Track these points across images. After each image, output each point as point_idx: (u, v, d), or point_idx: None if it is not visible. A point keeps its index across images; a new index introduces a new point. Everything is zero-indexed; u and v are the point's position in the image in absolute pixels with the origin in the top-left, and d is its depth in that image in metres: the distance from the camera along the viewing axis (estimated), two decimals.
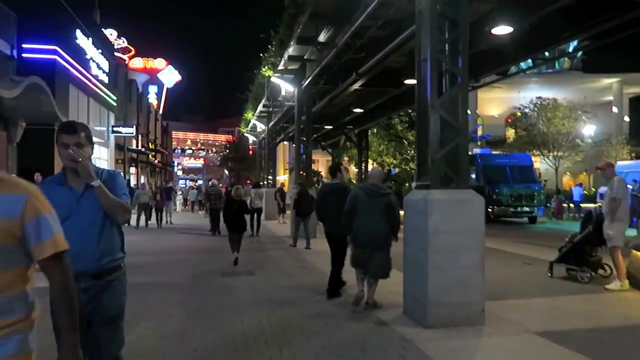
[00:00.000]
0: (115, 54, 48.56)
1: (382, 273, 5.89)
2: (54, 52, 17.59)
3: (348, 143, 30.88)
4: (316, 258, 10.55)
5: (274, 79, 14.70)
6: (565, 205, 22.52)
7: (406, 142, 24.76)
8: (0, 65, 14.48)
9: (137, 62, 71.13)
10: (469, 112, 6.36)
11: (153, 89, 72.86)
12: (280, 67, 13.95)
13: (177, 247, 12.73)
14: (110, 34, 52.52)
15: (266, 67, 15.03)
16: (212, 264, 10.04)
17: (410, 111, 21.80)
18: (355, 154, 29.29)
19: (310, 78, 13.47)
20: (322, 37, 11.46)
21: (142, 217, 18.03)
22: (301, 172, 14.89)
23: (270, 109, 21.93)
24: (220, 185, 22.33)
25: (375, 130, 26.34)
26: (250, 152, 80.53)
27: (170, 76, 78.00)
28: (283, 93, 14.60)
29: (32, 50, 17.10)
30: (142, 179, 40.31)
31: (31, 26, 16.80)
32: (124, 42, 62.15)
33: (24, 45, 16.95)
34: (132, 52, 68.02)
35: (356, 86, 14.55)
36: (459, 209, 5.23)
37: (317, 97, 15.80)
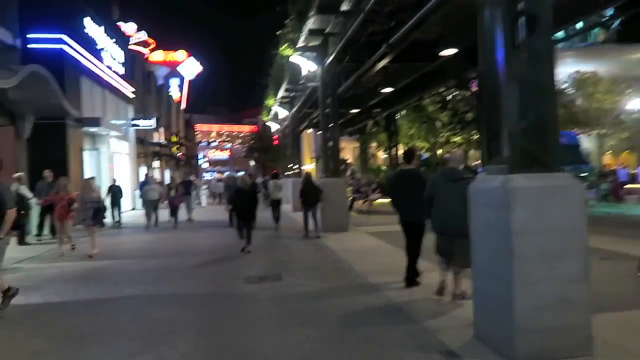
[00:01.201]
0: (135, 47, 48.08)
1: (467, 262, 4.76)
2: (61, 41, 16.57)
3: (375, 128, 29.35)
4: (349, 255, 9.28)
5: (294, 58, 13.33)
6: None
7: (439, 124, 23.08)
8: (3, 56, 13.52)
9: (157, 55, 70.77)
10: None
11: (174, 82, 72.52)
12: (300, 43, 12.59)
13: (194, 247, 11.50)
14: (131, 27, 52.03)
15: (285, 46, 13.67)
16: (233, 266, 8.86)
17: (442, 90, 20.17)
18: (384, 139, 27.80)
19: (334, 54, 12.08)
20: (345, 5, 10.04)
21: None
22: (328, 161, 13.59)
23: (292, 94, 20.62)
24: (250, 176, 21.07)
25: (403, 113, 24.75)
26: (275, 142, 79.72)
27: (191, 68, 77.40)
28: (305, 73, 13.26)
29: (37, 40, 16.11)
30: (168, 173, 39.73)
31: (35, 13, 15.82)
32: (144, 35, 61.70)
33: (28, 35, 15.99)
34: (153, 45, 67.66)
35: (385, 62, 13.05)
36: (552, 200, 3.83)
37: (342, 77, 14.36)
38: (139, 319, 5.51)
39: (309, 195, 12.37)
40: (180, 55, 77.26)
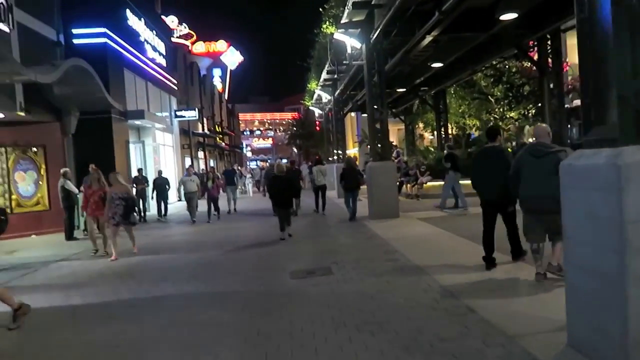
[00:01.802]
0: (178, 40, 48.53)
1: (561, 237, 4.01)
2: (104, 34, 16.56)
3: (421, 107, 28.13)
4: (403, 244, 8.55)
5: (337, 36, 12.58)
6: None
7: (492, 100, 21.64)
8: (47, 52, 13.52)
9: (199, 47, 71.56)
10: None
11: (217, 72, 73.11)
12: (344, 19, 11.81)
13: (237, 239, 11.07)
14: (172, 21, 52.63)
15: (327, 24, 12.93)
16: (278, 258, 8.36)
17: (495, 63, 18.79)
18: (431, 118, 26.58)
19: (380, 28, 11.23)
20: None
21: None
22: (375, 144, 12.83)
23: (335, 76, 19.83)
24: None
25: (452, 90, 23.44)
26: (317, 128, 79.25)
27: (232, 57, 77.86)
28: (349, 51, 12.50)
29: (80, 35, 16.16)
30: (212, 163, 39.98)
31: (77, 9, 15.81)
32: (185, 28, 62.35)
33: (73, 31, 16.04)
34: (194, 38, 68.26)
35: (435, 33, 12.10)
36: None
37: (388, 54, 13.49)
38: (179, 322, 5.05)
39: (349, 179, 12.57)
40: (221, 45, 77.85)
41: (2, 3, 10.55)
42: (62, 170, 12.30)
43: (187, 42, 57.77)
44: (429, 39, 12.97)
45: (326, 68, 17.81)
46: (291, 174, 14.92)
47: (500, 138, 6.45)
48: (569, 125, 16.28)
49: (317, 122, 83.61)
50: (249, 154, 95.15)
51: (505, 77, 20.44)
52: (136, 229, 9.94)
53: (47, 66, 10.99)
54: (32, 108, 12.48)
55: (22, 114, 12.03)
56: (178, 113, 26.61)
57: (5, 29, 10.85)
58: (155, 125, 21.65)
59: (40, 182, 13.85)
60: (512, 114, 21.42)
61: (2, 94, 11.26)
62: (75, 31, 16.08)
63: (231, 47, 74.24)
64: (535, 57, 14.48)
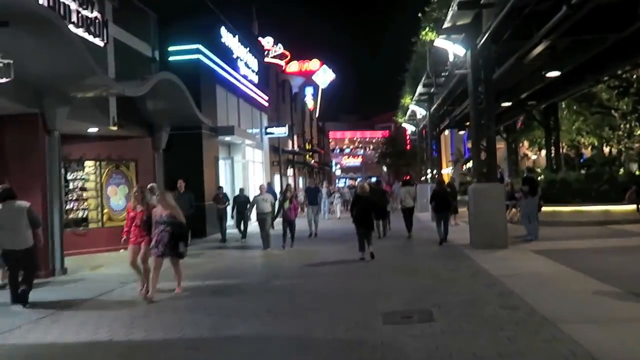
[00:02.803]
0: (272, 60, 49.72)
1: None
2: (197, 51, 16.68)
3: (525, 123, 25.55)
4: (520, 285, 6.99)
5: (438, 42, 11.29)
6: None
7: (617, 114, 18.75)
8: (142, 68, 13.67)
9: (293, 66, 73.21)
10: None
11: (309, 91, 74.30)
12: (447, 23, 10.52)
13: (317, 267, 9.96)
14: (268, 42, 54.24)
15: (427, 30, 11.71)
16: (367, 293, 7.17)
17: (621, 72, 16.22)
18: (538, 136, 24.00)
19: (490, 30, 9.79)
20: None
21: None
22: (480, 163, 11.26)
23: (432, 90, 18.42)
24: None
25: (565, 104, 20.85)
26: (408, 147, 77.19)
27: (324, 76, 78.75)
28: (451, 59, 11.15)
29: (175, 52, 16.38)
30: (301, 181, 39.84)
31: (173, 26, 16.06)
32: (280, 48, 64.13)
33: (169, 48, 16.32)
34: (288, 57, 70.04)
35: (555, 36, 10.37)
36: None
37: (495, 63, 11.88)
38: None
39: (440, 201, 12.36)
40: (314, 64, 79.11)
41: (96, 17, 10.62)
42: (148, 186, 12.14)
43: (282, 62, 59.17)
44: (545, 44, 11.23)
45: (422, 81, 16.47)
46: (376, 194, 14.09)
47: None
48: None
49: (408, 141, 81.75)
50: (338, 172, 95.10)
51: (634, 87, 17.62)
52: (206, 252, 9.20)
53: (138, 81, 10.89)
54: (125, 123, 12.56)
55: (115, 128, 12.10)
56: (268, 130, 26.56)
57: (100, 43, 10.94)
58: (246, 141, 21.55)
59: (130, 195, 13.91)
60: None
61: (96, 108, 11.35)
62: (170, 48, 16.34)
63: (324, 66, 75.05)
64: None
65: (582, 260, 8.77)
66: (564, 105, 21.00)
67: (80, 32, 10.00)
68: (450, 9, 10.01)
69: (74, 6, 9.84)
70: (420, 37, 12.42)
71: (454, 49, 11.22)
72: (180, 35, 16.31)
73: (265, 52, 47.97)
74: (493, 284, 7.30)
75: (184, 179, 13.84)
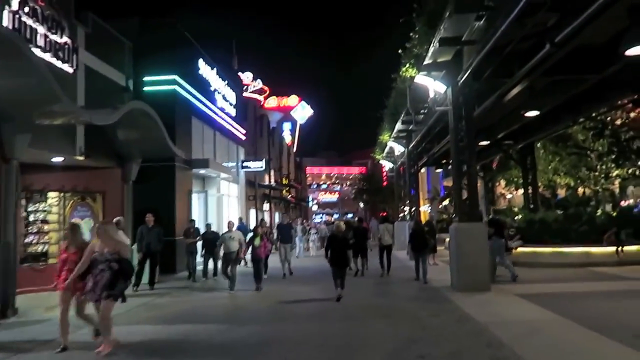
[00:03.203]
0: (252, 95, 49.79)
1: None
2: (173, 82, 16.27)
3: (502, 162, 25.72)
4: (508, 334, 6.57)
5: (418, 79, 11.16)
6: None
7: (593, 156, 18.88)
8: (114, 97, 13.17)
9: (271, 102, 73.49)
10: None
11: (287, 126, 74.46)
12: (428, 59, 10.40)
13: (291, 311, 9.32)
14: (247, 77, 54.47)
15: (407, 66, 11.60)
16: (345, 344, 6.57)
17: (597, 114, 16.43)
18: (515, 175, 24.14)
19: (471, 67, 9.69)
20: None
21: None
22: (461, 202, 10.99)
23: (411, 127, 18.34)
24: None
25: (541, 144, 21.06)
26: (384, 183, 77.44)
27: (302, 112, 79.22)
28: (432, 95, 11.00)
29: (151, 83, 15.95)
30: (277, 216, 39.09)
31: (149, 56, 15.68)
32: (259, 83, 64.47)
33: (144, 78, 15.90)
34: (267, 93, 70.41)
35: (536, 75, 10.36)
36: None
37: (475, 101, 11.80)
38: None
39: (418, 240, 12.55)
40: (292, 100, 79.67)
41: (66, 43, 10.16)
42: (114, 219, 11.44)
43: (261, 97, 59.36)
44: (524, 83, 11.24)
45: (401, 118, 16.38)
46: (359, 232, 14.40)
47: None
48: None
49: (385, 177, 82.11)
50: (315, 208, 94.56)
51: (608, 129, 17.89)
52: (172, 291, 8.46)
53: (108, 109, 10.37)
54: (93, 153, 11.96)
55: (81, 158, 11.48)
56: (245, 164, 26.10)
57: (69, 69, 10.45)
58: (221, 175, 21.02)
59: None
60: (618, 172, 18.57)
61: (61, 137, 10.76)
62: (146, 78, 15.92)
63: (302, 102, 75.67)
64: None
65: (568, 305, 8.44)
66: (539, 145, 21.21)
67: (47, 56, 9.52)
68: (432, 45, 9.90)
69: (42, 30, 9.39)
70: (401, 73, 12.29)
71: (434, 85, 11.10)
72: (156, 65, 15.92)
73: (245, 87, 48.02)
74: (480, 332, 6.84)
75: (152, 212, 13.17)
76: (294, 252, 19.84)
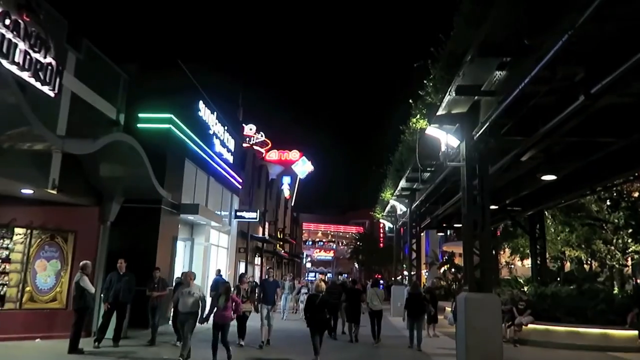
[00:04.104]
0: (255, 147, 49.52)
1: None
2: (169, 120, 15.45)
3: (508, 230, 24.58)
4: None
5: (430, 131, 10.28)
6: None
7: (607, 228, 17.76)
8: (102, 129, 12.28)
9: (272, 155, 73.48)
10: None
11: (286, 180, 73.99)
12: (441, 110, 9.57)
13: None
14: (250, 129, 54.52)
15: (418, 117, 10.77)
16: None
17: (612, 185, 15.51)
18: (521, 244, 22.94)
19: (490, 121, 8.81)
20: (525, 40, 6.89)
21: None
22: (471, 269, 9.79)
23: (415, 185, 17.40)
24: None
25: (550, 212, 20.04)
26: (381, 245, 75.74)
27: (303, 167, 79.08)
28: (443, 149, 10.12)
29: (145, 120, 15.13)
30: (258, 271, 37.27)
31: (146, 92, 14.97)
32: (262, 136, 64.53)
33: (139, 115, 15.10)
34: (269, 146, 70.45)
35: (558, 136, 9.48)
36: None
37: (490, 159, 10.86)
38: None
39: (415, 305, 12.48)
40: (293, 154, 79.74)
41: (50, 64, 9.34)
42: (81, 263, 10.19)
43: (262, 150, 59.20)
44: (544, 143, 10.35)
45: (406, 175, 15.41)
46: (352, 295, 13.56)
47: None
48: None
49: (382, 239, 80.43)
50: (309, 265, 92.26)
51: (625, 201, 16.91)
52: (129, 351, 7.00)
53: (88, 139, 9.40)
54: (68, 187, 10.87)
55: (54, 192, 10.38)
56: (238, 213, 24.94)
57: (50, 92, 9.56)
58: (212, 223, 19.77)
59: (63, 274, 11.80)
60: (635, 247, 17.39)
61: (33, 167, 9.73)
62: (140, 115, 15.11)
63: (303, 157, 75.68)
64: None
65: None
66: (547, 214, 20.16)
67: (25, 75, 8.65)
68: (447, 94, 9.08)
69: (22, 46, 8.58)
70: (410, 124, 11.45)
71: (447, 139, 10.21)
72: (152, 102, 15.15)
73: (247, 139, 47.79)
74: None
75: (128, 258, 11.87)
76: (283, 312, 18.14)
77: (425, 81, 9.72)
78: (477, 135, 9.57)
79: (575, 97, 7.47)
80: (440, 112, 9.77)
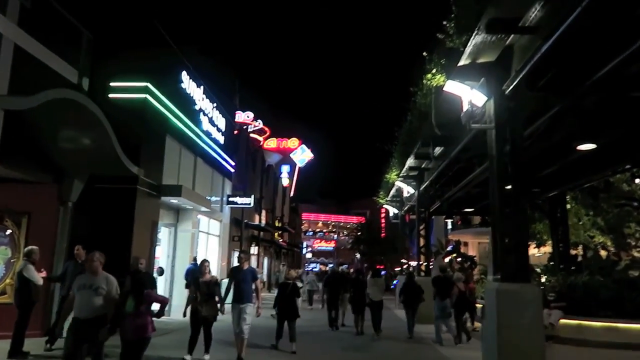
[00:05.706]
0: (252, 135, 47.73)
1: None
2: (145, 89, 13.57)
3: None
4: None
5: (449, 87, 8.37)
6: None
7: None
8: None
9: (271, 143, 71.62)
10: None
11: (285, 169, 72.30)
12: (464, 60, 7.71)
13: None
14: (248, 116, 52.62)
15: (434, 72, 8.90)
16: None
17: None
18: (539, 229, 21.09)
19: (529, 66, 6.97)
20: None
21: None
22: (504, 256, 7.98)
23: (424, 165, 15.53)
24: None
25: (573, 194, 18.19)
26: (383, 234, 74.03)
27: (302, 155, 77.25)
28: (466, 108, 8.23)
29: (118, 90, 13.28)
30: (266, 262, 35.77)
31: (119, 57, 13.12)
32: (260, 123, 62.50)
33: (111, 84, 13.26)
34: (267, 134, 68.55)
35: (612, 86, 7.63)
36: None
37: (523, 116, 8.92)
38: None
39: (411, 294, 12.76)
40: (292, 142, 77.88)
41: None
42: (26, 249, 8.40)
43: (260, 138, 57.39)
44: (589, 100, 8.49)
45: (415, 149, 13.46)
46: (358, 286, 13.34)
47: None
48: None
49: (383, 228, 78.67)
50: (309, 255, 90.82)
51: None
52: None
53: (23, 95, 7.54)
54: (16, 161, 9.04)
55: None
56: (230, 199, 23.13)
57: None
58: (201, 208, 17.91)
59: (14, 263, 10.01)
60: None
61: None
62: (112, 83, 13.26)
63: (302, 145, 73.89)
64: None
65: None
66: (572, 196, 18.30)
67: None
68: (472, 37, 7.19)
69: None
70: (424, 83, 9.55)
71: (470, 95, 8.36)
72: (126, 68, 13.31)
73: (245, 127, 45.86)
74: None
75: (105, 246, 10.01)
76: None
77: (445, 22, 7.83)
78: (509, 89, 7.73)
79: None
80: (463, 61, 7.88)
